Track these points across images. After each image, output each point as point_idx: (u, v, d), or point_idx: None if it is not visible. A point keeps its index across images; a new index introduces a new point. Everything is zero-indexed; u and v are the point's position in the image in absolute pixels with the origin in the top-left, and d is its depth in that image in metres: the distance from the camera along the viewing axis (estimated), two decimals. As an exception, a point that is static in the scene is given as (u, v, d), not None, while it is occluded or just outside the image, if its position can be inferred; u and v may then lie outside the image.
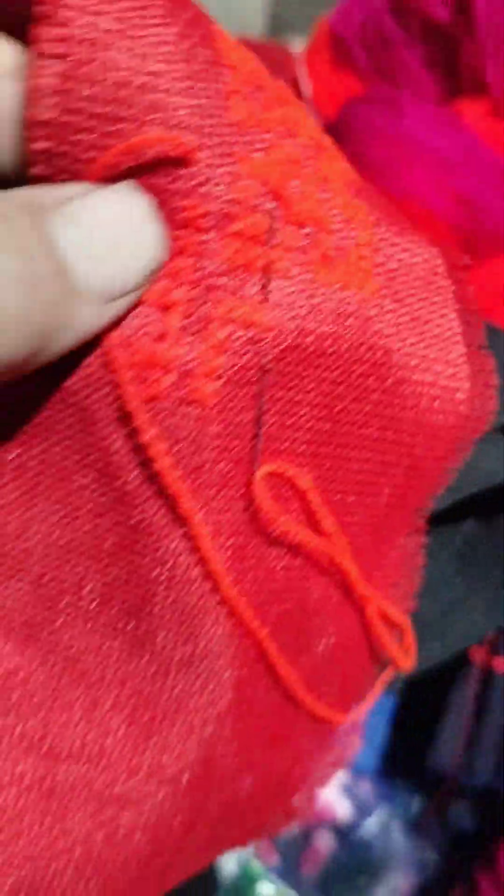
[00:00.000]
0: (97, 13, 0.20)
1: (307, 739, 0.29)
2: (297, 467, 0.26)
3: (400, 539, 0.30)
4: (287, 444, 0.25)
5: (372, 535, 0.28)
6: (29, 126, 0.20)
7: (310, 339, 0.24)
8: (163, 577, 0.24)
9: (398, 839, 0.62)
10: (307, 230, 0.24)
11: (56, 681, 0.25)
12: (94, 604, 0.24)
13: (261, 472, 0.24)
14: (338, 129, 0.49)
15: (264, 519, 0.25)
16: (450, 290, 0.28)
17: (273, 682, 0.27)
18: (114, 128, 0.21)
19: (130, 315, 0.22)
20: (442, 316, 0.28)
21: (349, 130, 0.49)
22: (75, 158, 0.21)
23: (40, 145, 0.20)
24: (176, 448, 0.23)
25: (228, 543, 0.25)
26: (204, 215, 0.22)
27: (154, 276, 0.22)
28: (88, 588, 0.24)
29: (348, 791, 0.64)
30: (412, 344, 0.27)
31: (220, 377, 0.23)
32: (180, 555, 0.24)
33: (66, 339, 0.20)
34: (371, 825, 0.63)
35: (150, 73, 0.21)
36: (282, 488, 0.26)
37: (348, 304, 0.25)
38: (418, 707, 0.61)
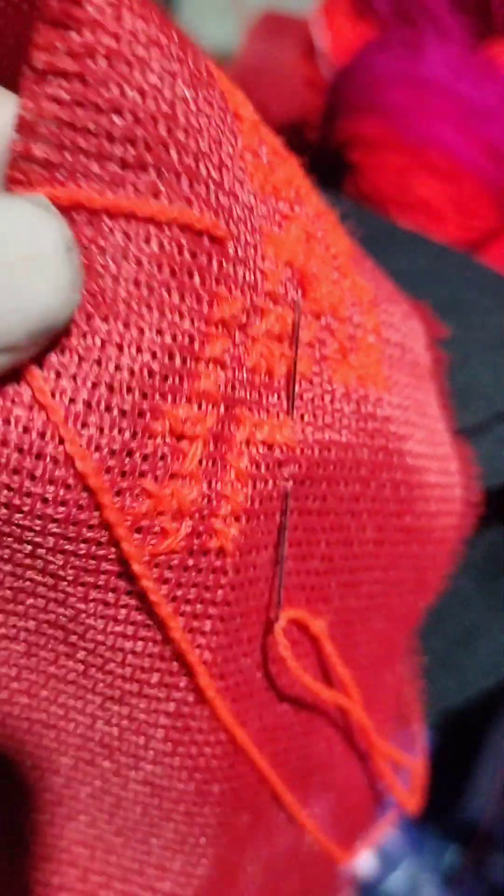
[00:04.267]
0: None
1: (315, 874, 0.29)
2: (310, 604, 0.23)
3: (398, 663, 0.28)
4: (301, 578, 0.22)
5: (374, 664, 0.27)
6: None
7: (333, 452, 0.21)
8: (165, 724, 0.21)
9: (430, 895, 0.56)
10: (324, 320, 0.21)
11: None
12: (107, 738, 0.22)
13: (281, 622, 0.22)
14: (352, 75, 0.44)
15: (279, 670, 0.23)
16: (428, 369, 0.26)
17: (282, 822, 0.26)
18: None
19: (122, 447, 0.17)
20: (430, 403, 0.25)
21: (365, 75, 0.43)
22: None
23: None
24: (186, 607, 0.19)
25: (238, 693, 0.22)
26: (239, 312, 0.18)
27: (45, 339, 0.15)
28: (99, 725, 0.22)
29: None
30: (419, 441, 0.24)
31: (240, 517, 0.19)
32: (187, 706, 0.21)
33: None
34: (398, 880, 0.58)
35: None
36: (294, 632, 0.23)
37: (367, 403, 0.22)
38: (453, 748, 0.57)
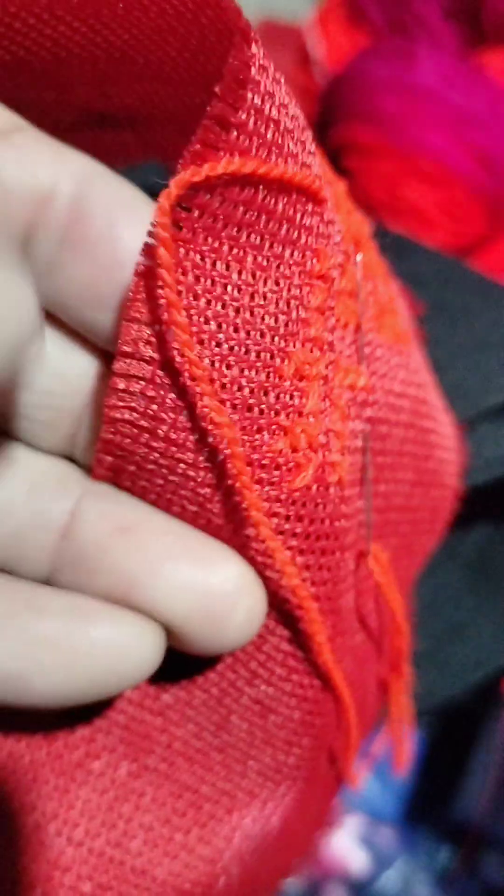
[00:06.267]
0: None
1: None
2: (380, 540, 0.24)
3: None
4: (377, 516, 0.24)
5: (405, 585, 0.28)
6: None
7: (390, 398, 0.23)
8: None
9: (423, 895, 0.56)
10: (370, 284, 0.23)
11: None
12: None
13: (373, 555, 0.23)
14: (346, 83, 0.45)
15: (364, 602, 0.24)
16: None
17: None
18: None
19: (258, 387, 0.18)
20: (424, 362, 0.27)
21: (358, 83, 0.44)
22: None
23: None
24: (315, 543, 0.20)
25: (337, 630, 0.23)
26: (333, 267, 0.19)
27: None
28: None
29: (365, 840, 0.58)
30: (432, 394, 0.26)
31: (345, 452, 0.21)
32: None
33: None
34: (391, 878, 0.57)
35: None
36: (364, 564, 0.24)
37: (404, 356, 0.24)
38: (445, 748, 0.57)
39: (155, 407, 0.17)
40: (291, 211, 0.17)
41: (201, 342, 0.17)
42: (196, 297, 0.17)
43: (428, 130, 0.41)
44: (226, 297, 0.17)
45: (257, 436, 0.18)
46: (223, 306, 0.17)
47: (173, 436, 0.18)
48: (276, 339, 0.18)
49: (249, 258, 0.17)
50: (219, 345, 0.17)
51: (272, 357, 0.18)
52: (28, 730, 0.23)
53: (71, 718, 0.23)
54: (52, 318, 0.18)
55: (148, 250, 0.16)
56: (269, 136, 0.17)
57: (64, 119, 0.22)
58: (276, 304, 0.18)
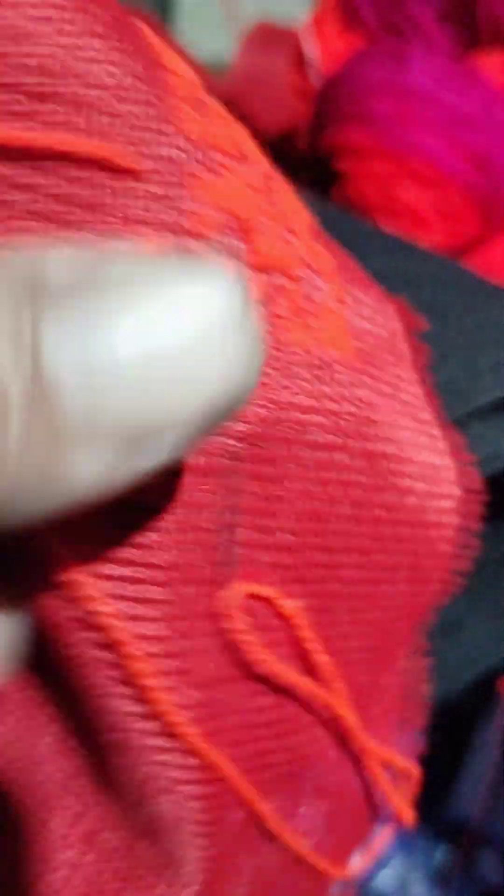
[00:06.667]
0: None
1: (306, 890, 0.27)
2: (283, 585, 0.21)
3: (401, 662, 0.26)
4: (268, 553, 0.20)
5: (369, 660, 0.25)
6: None
7: (291, 413, 0.20)
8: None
9: (418, 893, 0.58)
10: (273, 277, 0.20)
11: None
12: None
13: (233, 594, 0.20)
14: (340, 85, 0.45)
15: (239, 654, 0.21)
16: (409, 358, 0.24)
17: (266, 840, 0.24)
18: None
19: None
20: (411, 381, 0.24)
21: (352, 85, 0.44)
22: None
23: None
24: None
25: (195, 695, 0.20)
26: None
27: (233, 412, 0.14)
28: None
29: None
30: (397, 413, 0.23)
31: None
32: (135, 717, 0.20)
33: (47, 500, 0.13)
34: (387, 877, 0.58)
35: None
36: (262, 615, 0.21)
37: (329, 368, 0.20)
38: (441, 747, 0.57)
39: None
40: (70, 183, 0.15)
41: None
42: None
43: (422, 132, 0.41)
44: None
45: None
46: None
47: None
48: None
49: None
50: None
51: None
52: None
53: None
54: None
55: None
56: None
57: None
58: None
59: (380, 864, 0.58)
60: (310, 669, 0.22)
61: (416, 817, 0.61)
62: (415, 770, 0.28)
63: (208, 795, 0.21)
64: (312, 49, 0.54)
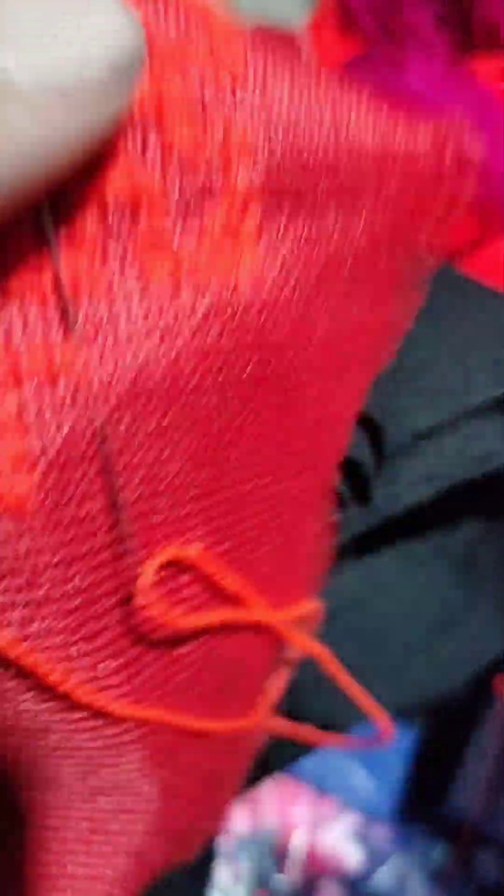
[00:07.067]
0: None
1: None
2: (184, 534, 0.20)
3: (311, 527, 0.26)
4: (165, 513, 0.20)
5: (280, 548, 0.25)
6: None
7: (157, 369, 0.18)
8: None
9: (417, 892, 0.57)
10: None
11: None
12: None
13: (136, 565, 0.19)
14: None
15: (151, 619, 0.21)
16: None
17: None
18: None
19: None
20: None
21: None
22: None
23: None
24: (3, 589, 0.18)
25: (114, 664, 0.20)
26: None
27: (128, 76, 0.14)
28: None
29: (359, 836, 0.58)
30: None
31: (34, 465, 0.16)
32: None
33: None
34: (385, 876, 0.57)
35: None
36: (170, 571, 0.21)
37: (205, 300, 0.18)
38: (439, 745, 0.57)
39: None
40: None
41: None
42: None
43: (418, 136, 0.42)
44: None
45: None
46: None
47: None
48: None
49: None
50: None
51: None
52: None
53: None
54: None
55: None
56: None
57: None
58: None
59: (379, 862, 0.58)
60: (225, 597, 0.22)
61: (416, 816, 0.61)
62: (316, 605, 0.27)
63: (148, 747, 0.22)
64: (310, 53, 0.54)
